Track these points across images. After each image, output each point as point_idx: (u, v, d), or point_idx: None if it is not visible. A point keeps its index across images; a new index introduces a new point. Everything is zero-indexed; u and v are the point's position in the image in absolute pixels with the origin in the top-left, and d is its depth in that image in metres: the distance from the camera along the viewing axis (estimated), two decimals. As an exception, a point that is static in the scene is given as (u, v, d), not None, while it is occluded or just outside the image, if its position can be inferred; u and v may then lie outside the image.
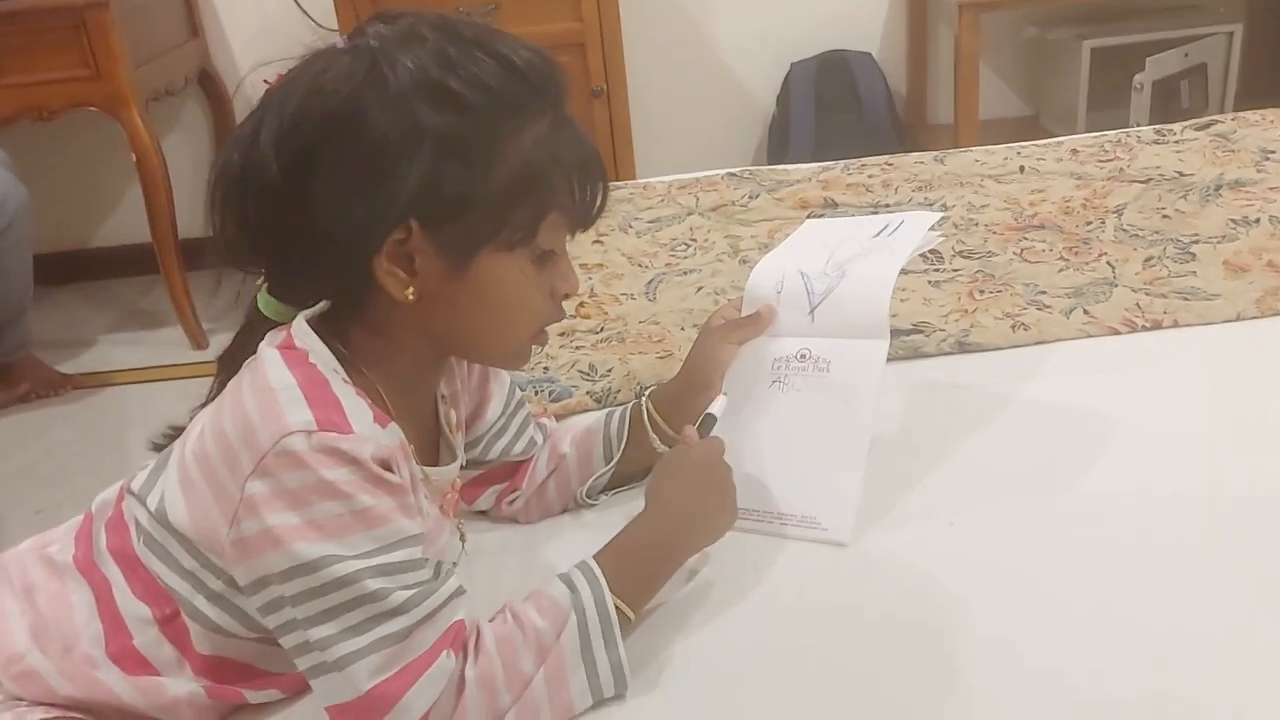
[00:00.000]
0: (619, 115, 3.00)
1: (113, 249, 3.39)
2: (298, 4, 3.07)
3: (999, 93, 3.42)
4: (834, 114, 3.30)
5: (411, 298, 0.82)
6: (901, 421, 1.17)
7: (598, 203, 0.87)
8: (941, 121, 3.44)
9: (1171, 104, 3.25)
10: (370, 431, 0.80)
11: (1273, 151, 1.78)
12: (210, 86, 3.22)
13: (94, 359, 2.93)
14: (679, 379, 1.11)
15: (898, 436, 1.15)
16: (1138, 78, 3.16)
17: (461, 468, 1.00)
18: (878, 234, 1.09)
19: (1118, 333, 1.31)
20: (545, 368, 1.33)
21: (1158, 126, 1.96)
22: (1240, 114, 1.97)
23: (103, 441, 2.51)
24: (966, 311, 1.37)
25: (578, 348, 1.38)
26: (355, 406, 0.80)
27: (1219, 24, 3.27)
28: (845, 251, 1.08)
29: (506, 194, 0.81)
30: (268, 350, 0.83)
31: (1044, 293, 1.40)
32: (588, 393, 1.28)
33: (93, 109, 2.69)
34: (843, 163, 1.93)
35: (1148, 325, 1.31)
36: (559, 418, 1.21)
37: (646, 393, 1.12)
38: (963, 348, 1.31)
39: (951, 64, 3.20)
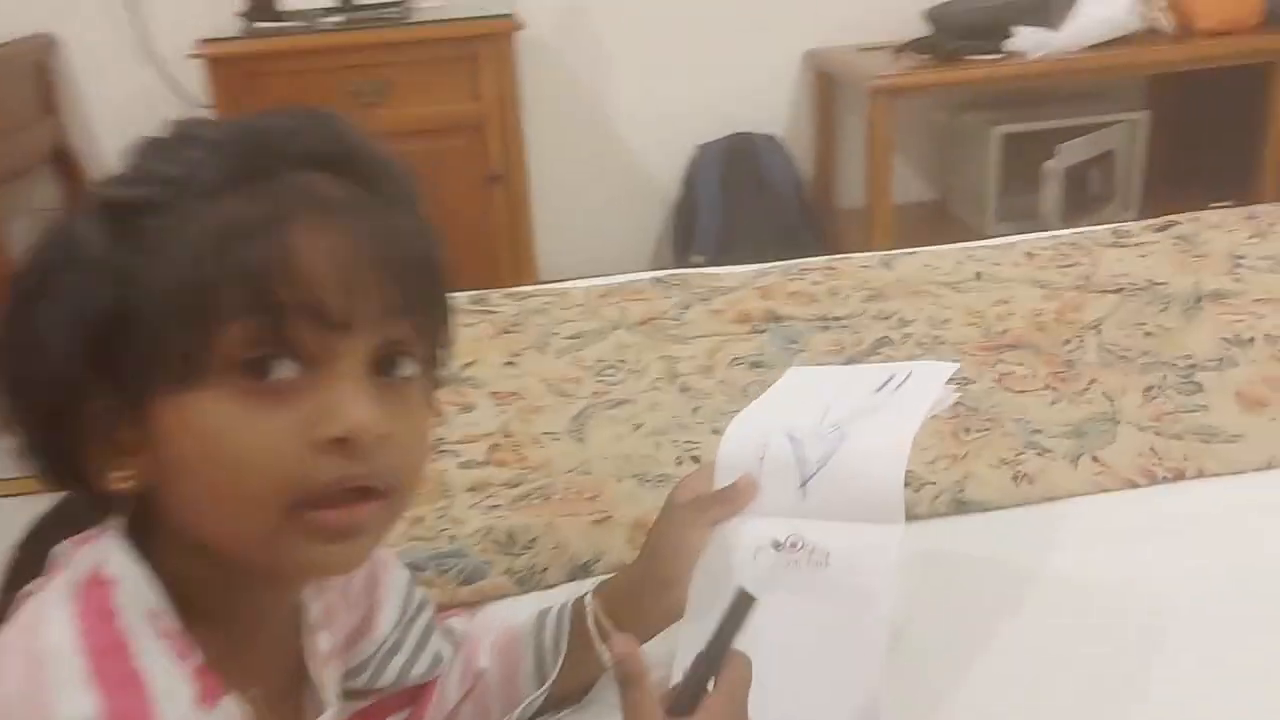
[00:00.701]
0: (517, 201, 2.82)
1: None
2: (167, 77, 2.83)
3: (905, 177, 3.34)
4: (740, 197, 3.25)
5: (119, 481, 0.60)
6: (897, 609, 0.95)
7: (349, 298, 0.58)
8: (850, 205, 3.36)
9: (1081, 191, 3.24)
10: None
11: (1243, 258, 1.64)
12: (66, 167, 2.94)
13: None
14: (635, 569, 0.87)
15: (895, 630, 0.92)
16: (1048, 164, 3.16)
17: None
18: (881, 387, 0.87)
19: (1136, 485, 1.11)
20: (451, 536, 1.08)
21: (1114, 227, 1.82)
22: (1197, 214, 1.84)
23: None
24: (956, 457, 1.16)
25: (492, 508, 1.12)
26: (168, 682, 0.55)
27: (1125, 111, 3.25)
28: (843, 409, 0.86)
29: (160, 310, 0.57)
30: (55, 585, 0.58)
31: (1039, 431, 1.20)
32: (506, 571, 1.03)
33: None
34: (781, 265, 1.73)
35: (1169, 476, 1.12)
36: (471, 607, 0.96)
37: (590, 590, 0.87)
38: (959, 506, 1.09)
39: (858, 147, 3.15)
